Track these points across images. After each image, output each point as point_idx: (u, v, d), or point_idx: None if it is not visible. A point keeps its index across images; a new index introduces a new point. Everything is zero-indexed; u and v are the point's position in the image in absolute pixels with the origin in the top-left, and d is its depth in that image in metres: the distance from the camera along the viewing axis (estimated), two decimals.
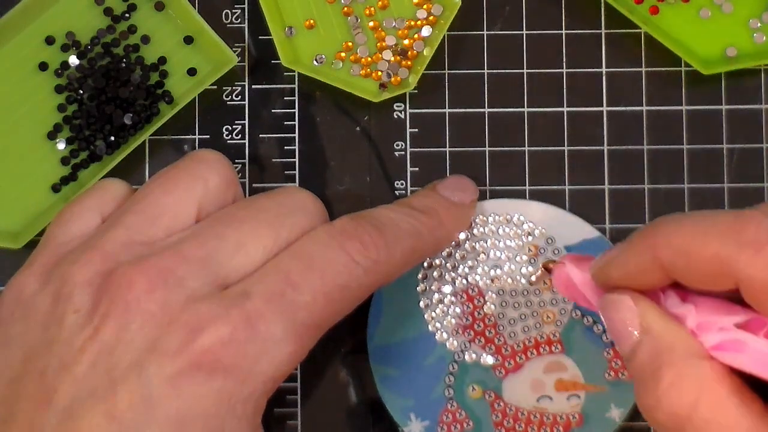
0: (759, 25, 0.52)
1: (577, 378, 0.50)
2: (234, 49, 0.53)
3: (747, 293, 0.37)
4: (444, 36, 0.52)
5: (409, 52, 0.52)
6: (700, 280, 0.38)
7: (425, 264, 0.51)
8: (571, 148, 0.53)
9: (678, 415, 0.37)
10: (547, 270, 0.45)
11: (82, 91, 0.52)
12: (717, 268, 0.37)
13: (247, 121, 0.53)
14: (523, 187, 0.52)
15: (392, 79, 0.52)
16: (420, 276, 0.51)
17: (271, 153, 0.53)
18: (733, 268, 0.37)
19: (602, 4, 0.53)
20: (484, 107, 0.53)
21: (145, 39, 0.53)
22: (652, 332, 0.39)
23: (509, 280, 0.51)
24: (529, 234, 0.51)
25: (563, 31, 0.53)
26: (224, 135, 0.53)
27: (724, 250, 0.37)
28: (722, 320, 0.38)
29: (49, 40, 0.53)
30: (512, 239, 0.51)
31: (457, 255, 0.51)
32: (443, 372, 0.51)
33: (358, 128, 0.53)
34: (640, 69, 0.53)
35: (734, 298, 0.38)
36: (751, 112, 0.53)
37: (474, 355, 0.51)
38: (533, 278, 0.50)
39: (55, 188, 0.52)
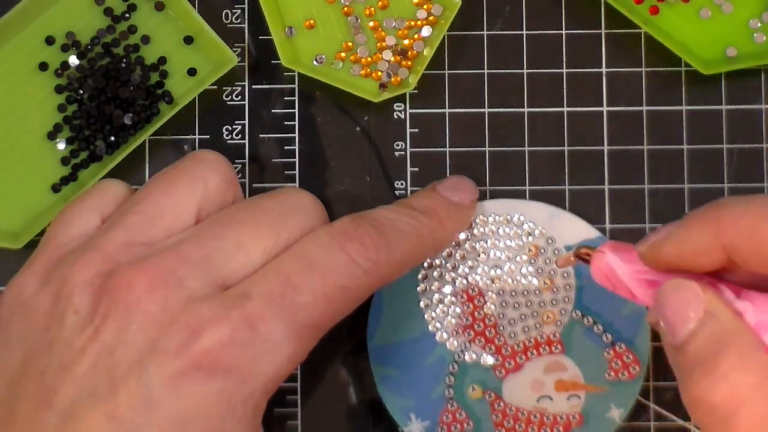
0: (759, 25, 0.52)
1: (577, 378, 0.50)
2: (234, 49, 0.53)
3: None
4: (444, 36, 0.52)
5: (409, 52, 0.52)
6: (764, 263, 0.38)
7: (425, 264, 0.51)
8: (571, 148, 0.53)
9: (735, 399, 0.36)
10: (582, 258, 0.44)
11: (82, 91, 0.52)
12: None
13: (247, 121, 0.53)
14: (523, 187, 0.52)
15: (392, 79, 0.52)
16: (420, 276, 0.51)
17: (271, 153, 0.53)
18: None
19: (602, 4, 0.53)
20: (484, 107, 0.53)
21: (145, 39, 0.53)
22: (717, 317, 0.38)
23: (509, 281, 0.51)
24: (529, 234, 0.51)
25: (563, 31, 0.53)
26: (224, 135, 0.53)
27: None
28: None
29: (49, 40, 0.53)
30: (512, 239, 0.51)
31: (457, 255, 0.51)
32: (443, 372, 0.51)
33: (358, 128, 0.53)
34: (640, 69, 0.53)
35: None
36: (751, 112, 0.53)
37: (474, 356, 0.51)
38: (560, 262, 0.49)
39: (55, 188, 0.52)
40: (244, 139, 0.53)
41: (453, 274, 0.51)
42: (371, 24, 0.53)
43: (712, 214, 0.39)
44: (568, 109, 0.53)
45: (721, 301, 0.39)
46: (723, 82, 0.53)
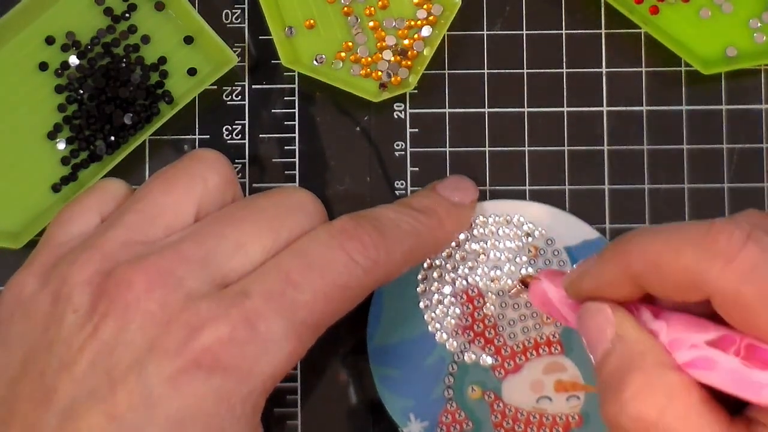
0: (759, 25, 0.52)
1: (576, 379, 0.50)
2: (234, 49, 0.53)
3: (718, 305, 0.37)
4: (444, 36, 0.52)
5: (409, 52, 0.52)
6: (672, 291, 0.38)
7: (425, 264, 0.51)
8: (571, 148, 0.53)
9: (644, 420, 0.37)
10: (524, 284, 0.46)
11: (82, 91, 0.52)
12: (688, 280, 0.37)
13: (247, 121, 0.53)
14: (523, 187, 0.52)
15: (392, 79, 0.52)
16: (420, 277, 0.51)
17: (271, 153, 0.53)
18: (704, 279, 0.37)
19: (602, 4, 0.53)
20: (484, 107, 0.53)
21: (145, 39, 0.53)
22: (625, 339, 0.39)
23: (509, 281, 0.51)
24: (529, 235, 0.51)
25: (563, 31, 0.53)
26: (224, 135, 0.53)
27: (696, 261, 0.37)
28: (694, 337, 0.38)
29: (49, 40, 0.53)
30: (512, 240, 0.51)
31: (457, 256, 0.51)
32: (443, 372, 0.50)
33: (358, 128, 0.53)
34: (640, 69, 0.53)
35: (706, 313, 0.39)
36: (751, 112, 0.53)
37: (474, 356, 0.51)
38: (511, 292, 0.51)
39: (55, 188, 0.52)
40: (244, 139, 0.53)
41: (453, 275, 0.51)
42: (371, 24, 0.53)
43: (621, 248, 0.40)
44: (568, 109, 0.53)
45: (632, 322, 0.40)
46: (723, 82, 0.53)
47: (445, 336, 0.51)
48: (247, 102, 0.53)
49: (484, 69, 0.53)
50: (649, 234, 0.39)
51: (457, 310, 0.51)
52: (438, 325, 0.51)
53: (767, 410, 0.37)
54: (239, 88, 0.53)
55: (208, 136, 0.53)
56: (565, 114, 0.53)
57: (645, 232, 0.39)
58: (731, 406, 0.38)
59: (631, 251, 0.39)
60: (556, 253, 0.51)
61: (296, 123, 0.53)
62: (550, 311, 0.44)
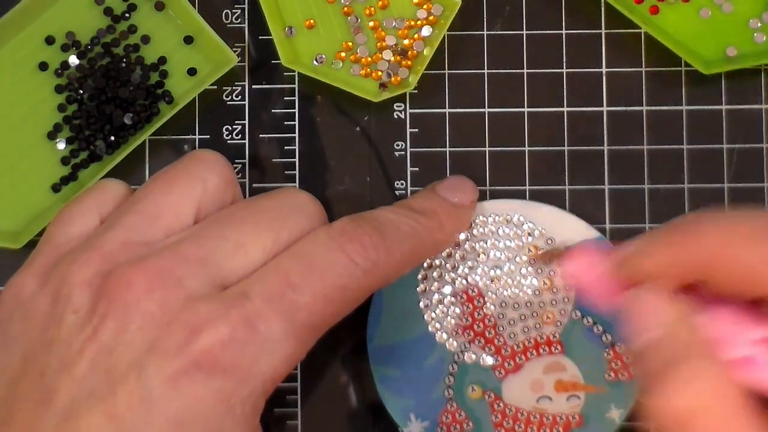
0: (759, 25, 0.52)
1: (576, 379, 0.50)
2: (234, 49, 0.53)
3: None
4: (444, 36, 0.52)
5: (409, 52, 0.52)
6: (732, 283, 0.38)
7: (425, 264, 0.51)
8: (571, 148, 0.53)
9: (687, 413, 0.37)
10: (555, 257, 0.45)
11: (82, 91, 0.52)
12: (751, 274, 0.37)
13: (247, 121, 0.53)
14: (523, 187, 0.52)
15: (392, 79, 0.52)
16: (420, 276, 0.51)
17: (271, 153, 0.53)
18: (766, 275, 0.36)
19: (602, 4, 0.53)
20: (484, 107, 0.53)
21: (145, 39, 0.53)
22: (677, 329, 0.38)
23: (509, 281, 0.51)
24: (529, 234, 0.51)
25: (563, 31, 0.53)
26: (224, 135, 0.53)
27: (760, 256, 0.36)
28: (741, 335, 0.37)
29: (49, 40, 0.53)
30: (512, 240, 0.51)
31: (457, 256, 0.51)
32: (443, 372, 0.51)
33: (358, 128, 0.53)
34: (640, 69, 0.53)
35: (756, 306, 0.38)
36: (751, 112, 0.53)
37: (474, 356, 0.51)
38: (537, 258, 0.50)
39: (55, 188, 0.52)
40: (244, 139, 0.53)
41: (453, 275, 0.51)
42: (371, 24, 0.53)
43: (683, 230, 0.39)
44: (568, 109, 0.53)
45: (684, 313, 0.39)
46: (723, 82, 0.53)
47: (445, 336, 0.51)
48: (247, 102, 0.53)
49: (484, 69, 0.53)
50: (712, 220, 0.38)
51: (457, 310, 0.51)
52: (438, 325, 0.51)
53: None
54: (239, 88, 0.53)
55: (208, 136, 0.53)
56: (565, 114, 0.53)
57: (707, 217, 0.38)
58: None
59: (692, 237, 0.38)
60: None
61: (296, 123, 0.53)
62: (584, 288, 0.43)
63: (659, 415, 0.37)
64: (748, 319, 0.38)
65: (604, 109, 0.53)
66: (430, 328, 0.51)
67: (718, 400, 0.37)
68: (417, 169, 0.53)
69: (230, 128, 0.53)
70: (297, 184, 0.52)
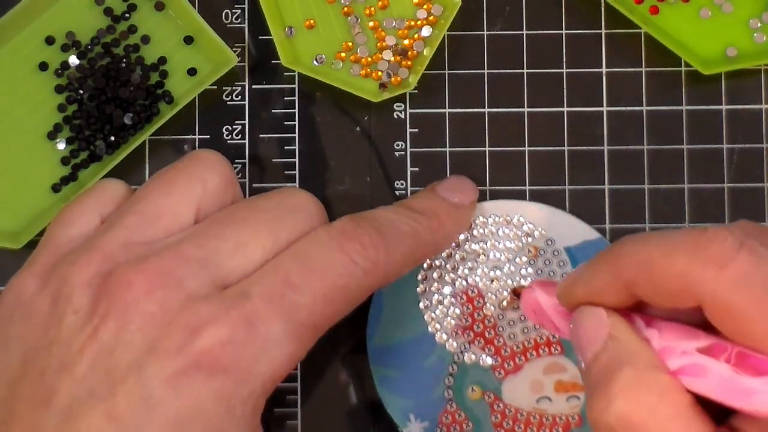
0: (759, 25, 0.52)
1: (576, 379, 0.50)
2: (234, 49, 0.53)
3: (710, 311, 0.37)
4: (444, 36, 0.52)
5: (409, 52, 0.52)
6: (664, 298, 0.38)
7: (425, 265, 0.51)
8: (571, 148, 0.53)
9: (631, 418, 0.37)
10: (516, 295, 0.47)
11: (82, 91, 0.52)
12: (680, 286, 0.37)
13: (247, 121, 0.53)
14: (523, 188, 0.52)
15: (392, 79, 0.52)
16: (420, 277, 0.51)
17: (271, 153, 0.53)
18: (696, 285, 0.37)
19: (602, 4, 0.53)
20: (484, 107, 0.53)
21: (145, 39, 0.53)
22: (619, 339, 0.39)
23: (509, 282, 0.51)
24: (529, 235, 0.51)
25: (563, 31, 0.53)
26: (224, 135, 0.53)
27: (688, 266, 0.37)
28: (685, 344, 0.38)
29: (49, 40, 0.53)
30: (512, 240, 0.51)
31: (456, 256, 0.51)
32: (443, 373, 0.51)
33: (358, 128, 0.53)
34: (640, 69, 0.53)
35: (699, 323, 0.38)
36: (751, 112, 0.53)
37: (473, 356, 0.51)
38: (504, 303, 0.50)
39: (55, 188, 0.52)
40: (244, 139, 0.53)
41: (452, 275, 0.51)
42: (371, 24, 0.53)
43: (614, 253, 0.39)
44: (568, 109, 0.53)
45: (625, 325, 0.39)
46: (723, 82, 0.53)
47: (445, 336, 0.51)
48: (247, 102, 0.53)
49: (484, 69, 0.53)
50: (641, 239, 0.39)
51: (457, 311, 0.51)
52: (438, 326, 0.51)
53: (752, 419, 0.37)
54: (239, 88, 0.53)
55: (208, 136, 0.53)
56: (565, 114, 0.53)
57: (637, 237, 0.39)
58: (716, 416, 0.38)
59: (623, 256, 0.39)
60: (556, 253, 0.51)
61: (296, 123, 0.53)
62: (542, 321, 0.44)
63: (603, 423, 0.37)
64: (689, 333, 0.38)
65: (604, 109, 0.53)
66: (429, 329, 0.51)
67: (662, 405, 0.37)
68: (417, 169, 0.53)
69: (230, 128, 0.53)
70: (297, 184, 0.52)
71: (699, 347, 0.38)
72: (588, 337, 0.40)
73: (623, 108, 0.53)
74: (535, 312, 0.44)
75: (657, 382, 0.37)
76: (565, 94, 0.53)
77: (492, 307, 0.51)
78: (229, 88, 0.53)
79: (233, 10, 0.53)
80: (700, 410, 0.37)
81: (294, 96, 0.53)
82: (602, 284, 0.40)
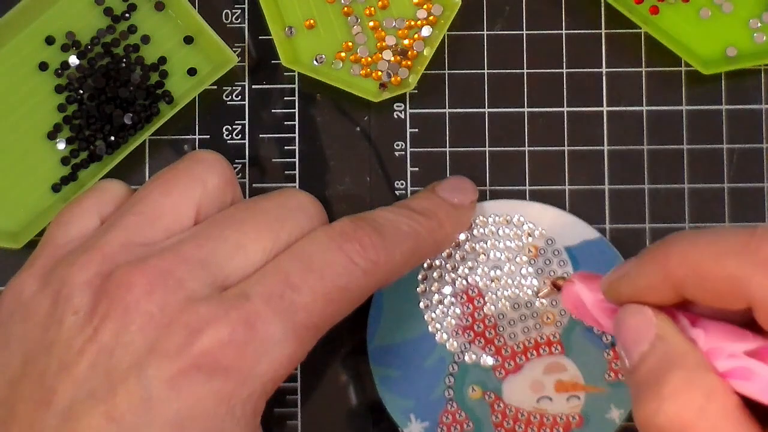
0: (759, 25, 0.52)
1: (577, 379, 0.50)
2: (234, 49, 0.53)
3: (760, 314, 0.37)
4: (444, 36, 0.52)
5: (409, 52, 0.52)
6: (713, 299, 0.38)
7: (425, 265, 0.51)
8: (571, 148, 0.53)
9: (681, 419, 0.37)
10: (556, 287, 0.46)
11: (82, 91, 0.52)
12: (730, 288, 0.37)
13: (247, 121, 0.53)
14: (523, 188, 0.52)
15: (392, 79, 0.52)
16: (420, 277, 0.51)
17: (271, 153, 0.53)
18: (746, 288, 0.36)
19: (602, 4, 0.53)
20: (484, 107, 0.53)
21: (145, 39, 0.53)
22: (666, 340, 0.39)
23: (509, 281, 0.51)
24: (529, 235, 0.51)
25: (563, 31, 0.53)
26: (224, 135, 0.53)
27: (738, 268, 0.36)
28: (732, 347, 0.37)
29: (49, 40, 0.53)
30: (512, 240, 0.51)
31: (457, 256, 0.51)
32: (443, 373, 0.51)
33: (358, 128, 0.53)
34: (640, 69, 0.53)
35: (746, 322, 0.38)
36: (751, 112, 0.53)
37: (474, 356, 0.51)
38: (541, 293, 0.50)
39: (55, 188, 0.52)
40: (244, 139, 0.53)
41: (453, 275, 0.51)
42: (371, 24, 0.53)
43: (662, 252, 0.39)
44: (568, 109, 0.53)
45: (673, 325, 0.39)
46: (723, 82, 0.53)
47: (445, 336, 0.51)
48: (247, 102, 0.53)
49: (484, 69, 0.53)
50: (690, 239, 0.38)
51: (458, 310, 0.51)
52: (438, 326, 0.51)
53: None
54: (239, 88, 0.53)
55: (208, 136, 0.53)
56: (565, 114, 0.53)
57: (686, 236, 0.39)
58: (763, 419, 0.38)
59: (671, 256, 0.38)
60: (556, 253, 0.51)
61: (296, 123, 0.53)
62: (583, 315, 0.43)
63: (653, 425, 0.37)
64: (736, 334, 0.38)
65: (604, 109, 0.53)
66: (430, 329, 0.51)
67: (712, 407, 0.37)
68: (417, 169, 0.53)
69: (230, 128, 0.53)
70: (297, 184, 0.52)
71: (747, 350, 0.37)
72: (634, 336, 0.39)
73: (623, 108, 0.53)
74: (576, 306, 0.44)
75: (706, 384, 0.37)
76: (565, 94, 0.53)
77: (492, 307, 0.51)
78: (229, 88, 0.53)
79: (233, 10, 0.53)
80: (749, 414, 0.37)
81: (294, 96, 0.53)
82: (649, 283, 0.39)
